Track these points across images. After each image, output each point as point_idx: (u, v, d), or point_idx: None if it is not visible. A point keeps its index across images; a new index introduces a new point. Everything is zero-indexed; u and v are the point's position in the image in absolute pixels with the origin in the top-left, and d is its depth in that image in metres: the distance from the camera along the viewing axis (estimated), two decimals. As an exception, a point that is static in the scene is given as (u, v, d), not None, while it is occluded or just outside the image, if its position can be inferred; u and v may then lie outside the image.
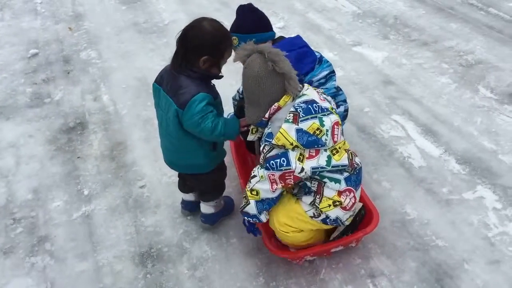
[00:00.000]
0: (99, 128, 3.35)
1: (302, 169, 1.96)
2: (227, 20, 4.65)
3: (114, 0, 5.34)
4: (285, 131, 1.91)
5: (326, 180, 2.03)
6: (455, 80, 3.58)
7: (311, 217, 2.10)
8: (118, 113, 3.49)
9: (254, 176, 2.05)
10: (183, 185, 2.55)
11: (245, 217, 2.14)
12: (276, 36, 2.63)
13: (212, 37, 2.06)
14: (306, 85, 2.08)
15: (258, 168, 2.04)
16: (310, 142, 1.93)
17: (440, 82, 3.58)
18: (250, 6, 2.55)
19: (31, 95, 3.76)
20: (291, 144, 1.92)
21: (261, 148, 2.03)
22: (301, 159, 1.96)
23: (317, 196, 2.06)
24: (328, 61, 2.65)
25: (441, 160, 2.86)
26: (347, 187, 2.06)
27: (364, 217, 2.29)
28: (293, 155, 1.95)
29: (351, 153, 2.11)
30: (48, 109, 3.58)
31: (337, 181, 2.04)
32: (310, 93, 2.02)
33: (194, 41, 2.04)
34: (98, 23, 4.85)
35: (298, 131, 1.91)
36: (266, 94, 1.98)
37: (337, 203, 2.05)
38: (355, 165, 2.10)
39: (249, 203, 2.09)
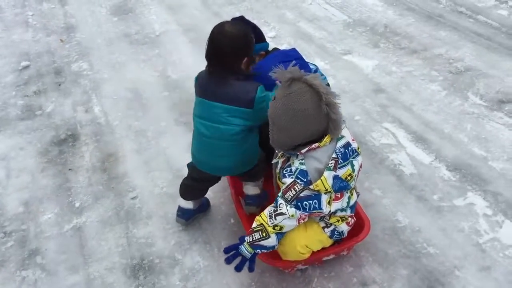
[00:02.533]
0: (91, 139, 3.35)
1: (330, 211, 2.02)
2: (218, 30, 4.67)
3: (105, 11, 5.35)
4: (325, 180, 1.89)
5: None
6: (445, 87, 3.61)
7: (323, 227, 2.15)
8: (110, 125, 3.49)
9: (282, 213, 1.96)
10: (186, 191, 2.52)
11: (258, 250, 2.04)
12: (271, 48, 2.65)
13: (246, 38, 2.18)
14: (344, 123, 2.01)
15: (286, 206, 1.95)
16: (341, 187, 1.96)
17: (430, 90, 3.61)
18: (241, 19, 2.57)
19: (22, 108, 3.75)
20: (326, 190, 1.92)
21: (288, 181, 1.94)
22: (329, 202, 1.99)
23: (326, 216, 2.14)
24: (322, 74, 2.66)
25: (431, 167, 2.87)
26: (351, 214, 2.18)
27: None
28: (325, 199, 1.95)
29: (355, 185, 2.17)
30: (39, 121, 3.57)
31: (343, 210, 2.11)
32: (345, 133, 2.00)
33: (231, 46, 2.13)
34: (89, 35, 4.85)
35: (335, 177, 1.91)
36: (304, 131, 1.90)
37: (344, 218, 2.16)
38: (358, 194, 2.23)
39: (269, 237, 2.00)
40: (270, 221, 1.98)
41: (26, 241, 2.62)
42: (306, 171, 1.91)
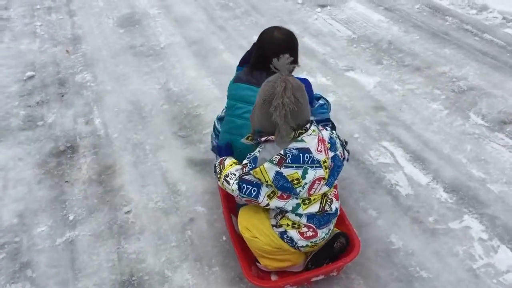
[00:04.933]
0: (89, 152, 3.36)
1: (268, 205, 2.05)
2: (223, 43, 4.72)
3: (112, 23, 5.41)
4: (265, 170, 1.95)
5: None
6: (447, 107, 3.58)
7: (273, 225, 2.14)
8: (109, 137, 3.50)
9: (228, 182, 2.13)
10: None
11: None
12: None
13: (291, 42, 2.33)
14: (312, 129, 2.00)
15: (234, 180, 2.10)
16: (284, 188, 1.98)
17: (431, 108, 3.57)
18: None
19: (24, 118, 3.78)
20: (266, 181, 1.98)
21: (245, 161, 2.07)
22: (270, 196, 2.02)
23: (280, 214, 2.13)
24: (326, 109, 2.62)
25: (428, 188, 2.83)
26: (307, 223, 2.11)
27: (345, 247, 2.27)
28: (264, 191, 2.02)
29: (326, 199, 2.12)
30: (40, 132, 3.59)
31: (299, 215, 2.09)
32: (309, 140, 1.96)
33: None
34: (95, 46, 4.89)
35: (277, 173, 1.95)
36: (259, 119, 2.01)
37: (296, 225, 2.11)
38: (326, 210, 2.12)
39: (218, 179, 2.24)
40: (223, 175, 2.18)
41: (18, 253, 2.62)
42: (257, 158, 1.99)
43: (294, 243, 2.13)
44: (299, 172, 1.95)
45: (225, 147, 2.39)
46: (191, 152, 3.27)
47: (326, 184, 2.08)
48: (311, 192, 2.04)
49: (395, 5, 5.37)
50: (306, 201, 2.06)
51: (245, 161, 2.06)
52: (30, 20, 5.58)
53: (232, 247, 2.47)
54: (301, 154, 1.95)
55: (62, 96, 4.07)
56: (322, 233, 2.16)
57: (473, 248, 2.45)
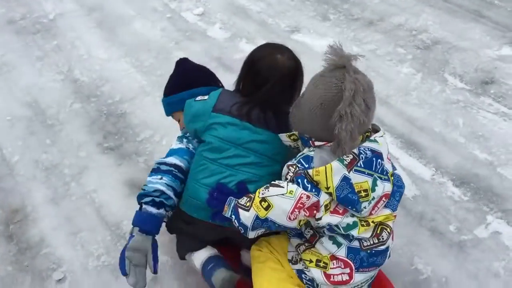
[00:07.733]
0: (-16, 189, 2.44)
1: (320, 218, 1.46)
2: (131, 7, 3.80)
3: (-25, -12, 4.15)
4: (331, 170, 1.42)
5: (324, 235, 1.53)
6: (418, 69, 3.09)
7: (289, 260, 1.62)
8: (7, 162, 2.58)
9: (277, 185, 1.48)
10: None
11: (233, 216, 1.53)
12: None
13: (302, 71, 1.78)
14: (382, 130, 1.57)
15: (287, 181, 1.48)
16: (347, 200, 1.45)
17: (402, 74, 3.06)
18: (185, 61, 2.05)
19: None
20: (327, 188, 1.43)
21: (284, 170, 1.53)
22: (327, 207, 1.46)
23: (305, 244, 1.58)
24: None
25: (435, 184, 2.36)
26: (345, 259, 1.52)
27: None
28: (324, 198, 1.44)
29: (381, 228, 1.54)
30: None
31: (337, 243, 1.52)
32: (382, 142, 1.51)
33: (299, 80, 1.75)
34: (-42, 25, 3.71)
35: (345, 179, 1.43)
36: (307, 123, 1.51)
37: (321, 263, 1.54)
38: (380, 239, 1.53)
39: (248, 209, 1.49)
40: (261, 192, 1.50)
41: None
42: (311, 157, 1.48)
43: (313, 284, 1.57)
44: (369, 181, 1.46)
45: (240, 189, 1.65)
46: (128, 171, 2.49)
47: (387, 205, 1.54)
48: (373, 212, 1.51)
49: None
50: (364, 223, 1.50)
51: (290, 163, 1.51)
52: None
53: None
54: (374, 158, 1.47)
55: None
56: (361, 278, 1.55)
57: (513, 261, 2.04)
